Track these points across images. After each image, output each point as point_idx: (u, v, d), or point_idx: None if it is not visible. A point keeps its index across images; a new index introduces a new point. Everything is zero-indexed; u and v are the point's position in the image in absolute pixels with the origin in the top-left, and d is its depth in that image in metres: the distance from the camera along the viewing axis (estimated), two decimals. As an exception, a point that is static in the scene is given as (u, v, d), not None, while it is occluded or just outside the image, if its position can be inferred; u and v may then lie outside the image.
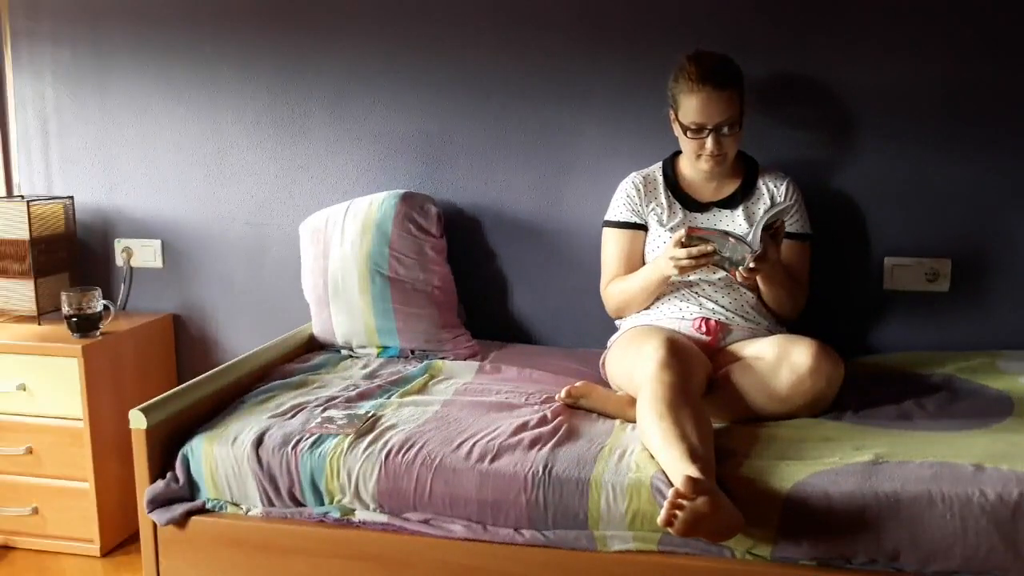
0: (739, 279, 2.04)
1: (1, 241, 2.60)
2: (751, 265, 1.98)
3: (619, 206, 2.29)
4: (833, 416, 1.97)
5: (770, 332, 2.18)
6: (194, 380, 2.07)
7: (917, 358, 2.32)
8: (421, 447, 1.82)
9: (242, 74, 2.66)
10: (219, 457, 1.88)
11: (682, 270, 2.04)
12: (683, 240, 2.00)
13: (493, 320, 2.64)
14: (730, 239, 1.98)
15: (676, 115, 2.18)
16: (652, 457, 1.74)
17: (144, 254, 2.81)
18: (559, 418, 1.95)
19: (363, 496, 1.81)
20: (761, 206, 2.22)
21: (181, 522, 1.89)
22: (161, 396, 1.95)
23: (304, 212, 2.68)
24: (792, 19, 2.35)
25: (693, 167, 2.22)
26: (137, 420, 1.88)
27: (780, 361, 1.95)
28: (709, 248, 1.99)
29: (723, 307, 2.17)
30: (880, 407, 2.00)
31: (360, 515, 1.82)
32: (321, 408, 2.02)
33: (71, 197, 2.75)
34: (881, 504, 1.60)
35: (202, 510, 1.90)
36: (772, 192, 2.23)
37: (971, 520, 1.57)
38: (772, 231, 2.03)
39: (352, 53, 2.59)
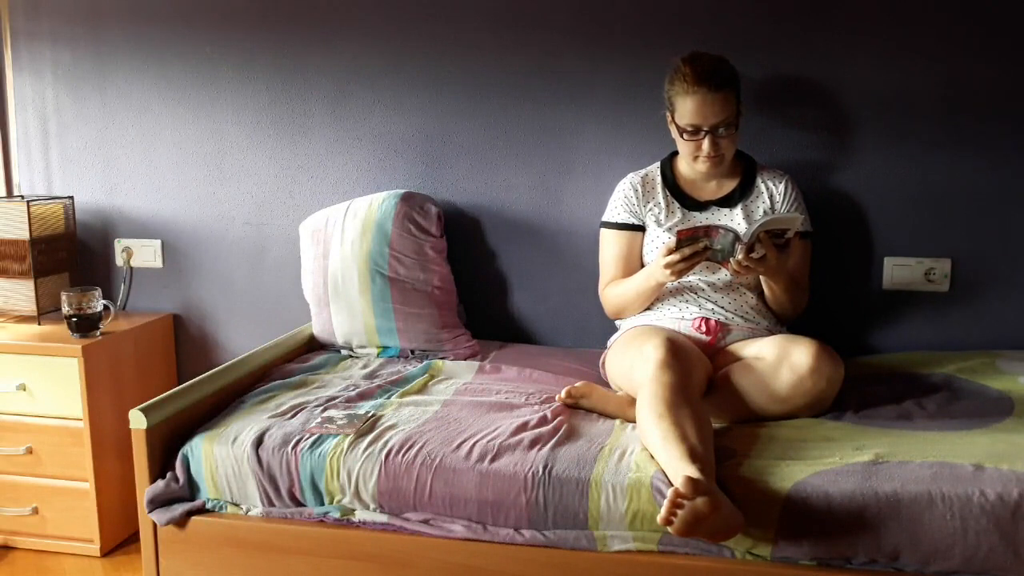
0: (731, 271, 2.04)
1: (1, 241, 2.60)
2: (739, 256, 1.99)
3: (617, 207, 2.29)
4: (833, 416, 1.97)
5: (770, 332, 2.18)
6: (194, 380, 2.07)
7: (917, 358, 2.32)
8: (421, 447, 1.82)
9: (242, 74, 2.66)
10: (219, 457, 1.88)
11: (678, 273, 2.04)
12: (672, 247, 2.01)
13: (493, 320, 2.64)
14: (720, 230, 1.98)
15: (672, 117, 2.18)
16: (652, 457, 1.74)
17: (144, 254, 2.82)
18: (559, 418, 1.95)
19: (363, 496, 1.81)
20: (760, 204, 2.22)
21: (181, 522, 1.89)
22: (161, 396, 1.95)
23: (304, 212, 2.68)
24: (792, 19, 2.35)
25: (691, 167, 2.22)
26: (137, 420, 1.88)
27: (780, 361, 1.95)
28: (700, 246, 1.99)
29: (723, 308, 2.18)
30: (880, 407, 2.00)
31: (360, 515, 1.82)
32: (321, 408, 2.02)
33: (71, 197, 2.75)
34: (881, 504, 1.60)
35: (202, 510, 1.90)
36: (771, 191, 2.23)
37: (971, 520, 1.57)
38: (783, 241, 2.03)
39: (352, 53, 2.59)
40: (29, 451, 2.43)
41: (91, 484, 2.42)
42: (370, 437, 1.87)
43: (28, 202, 2.57)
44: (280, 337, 2.46)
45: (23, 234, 2.57)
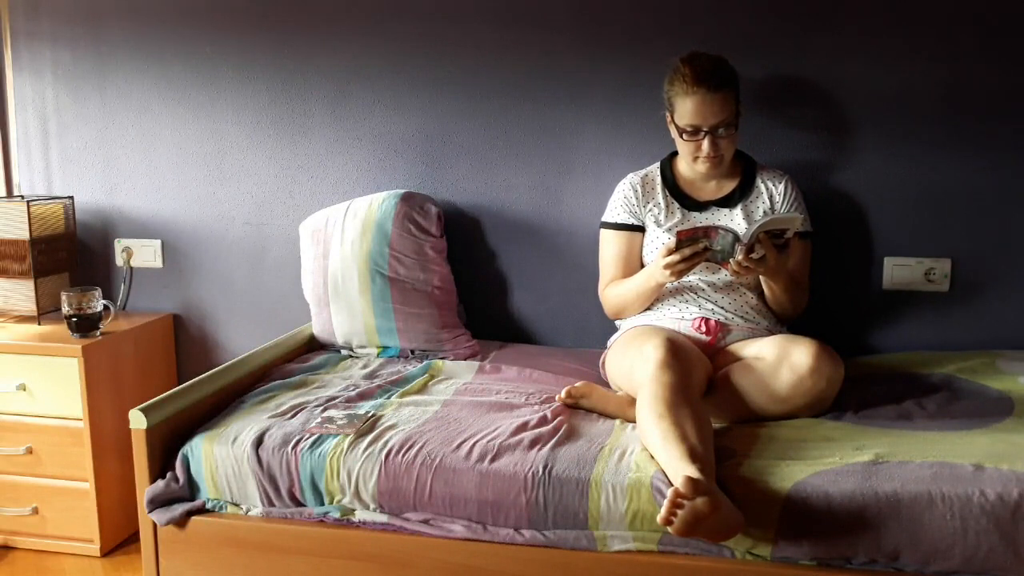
0: (731, 271, 2.05)
1: (1, 241, 2.60)
2: (739, 257, 1.99)
3: (616, 208, 2.29)
4: (833, 416, 1.97)
5: (770, 332, 2.18)
6: (194, 380, 2.07)
7: (917, 358, 2.32)
8: (421, 447, 1.82)
9: (242, 74, 2.66)
10: (219, 457, 1.88)
11: (678, 274, 2.04)
12: (672, 247, 2.01)
13: (493, 320, 2.64)
14: (720, 231, 1.99)
15: (672, 117, 2.18)
16: (652, 457, 1.74)
17: (144, 254, 2.82)
18: (559, 418, 1.95)
19: (363, 496, 1.81)
20: (760, 204, 2.22)
21: (181, 522, 1.89)
22: (161, 396, 1.95)
23: (304, 212, 2.68)
24: (792, 19, 2.35)
25: (690, 168, 2.22)
26: (137, 420, 1.88)
27: (780, 361, 1.95)
28: (699, 246, 2.00)
29: (723, 308, 2.18)
30: (880, 407, 2.00)
31: (360, 515, 1.82)
32: (321, 408, 2.02)
33: (71, 197, 2.75)
34: (881, 504, 1.60)
35: (202, 510, 1.90)
36: (771, 191, 2.23)
37: (971, 520, 1.57)
38: (782, 241, 2.03)
39: (353, 53, 2.59)
40: (29, 451, 2.43)
41: (91, 484, 2.42)
42: (370, 437, 1.87)
43: (28, 202, 2.57)
44: (280, 337, 2.47)
45: (23, 234, 2.57)
